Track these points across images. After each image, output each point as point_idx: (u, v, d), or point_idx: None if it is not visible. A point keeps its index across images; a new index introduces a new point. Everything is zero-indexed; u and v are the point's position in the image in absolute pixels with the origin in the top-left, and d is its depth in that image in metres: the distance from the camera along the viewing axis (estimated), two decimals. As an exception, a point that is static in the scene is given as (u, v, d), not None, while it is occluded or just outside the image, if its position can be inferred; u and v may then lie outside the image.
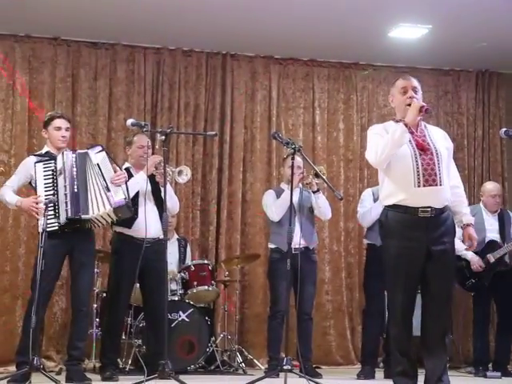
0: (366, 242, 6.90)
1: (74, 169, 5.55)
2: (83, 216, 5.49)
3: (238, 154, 8.18)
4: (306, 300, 6.59)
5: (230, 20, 7.33)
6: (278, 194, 6.73)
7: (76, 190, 5.50)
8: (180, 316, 6.66)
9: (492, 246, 6.98)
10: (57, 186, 5.53)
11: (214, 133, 6.61)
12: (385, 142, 4.47)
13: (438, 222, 4.47)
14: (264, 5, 7.00)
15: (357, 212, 6.88)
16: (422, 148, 4.48)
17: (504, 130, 5.07)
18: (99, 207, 5.52)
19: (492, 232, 7.01)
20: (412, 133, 4.52)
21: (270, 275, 6.78)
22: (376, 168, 4.73)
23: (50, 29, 7.61)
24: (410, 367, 4.49)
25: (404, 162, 4.46)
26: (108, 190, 5.53)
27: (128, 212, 5.65)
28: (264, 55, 8.35)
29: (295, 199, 6.41)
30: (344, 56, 8.44)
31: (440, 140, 4.62)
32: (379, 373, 6.69)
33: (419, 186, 4.43)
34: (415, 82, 4.65)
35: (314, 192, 6.61)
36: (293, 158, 5.69)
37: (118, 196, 5.55)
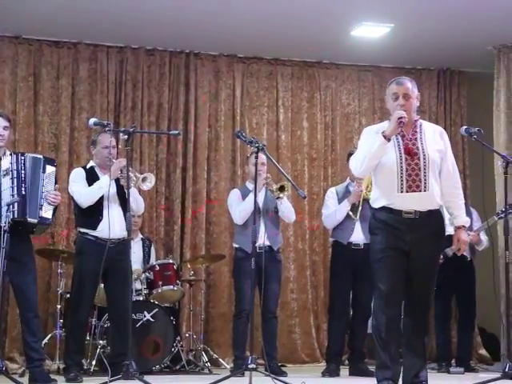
0: (331, 239, 6.93)
1: (23, 171, 5.37)
2: (29, 219, 5.35)
3: (202, 153, 8.17)
4: (271, 299, 6.61)
5: (193, 19, 7.31)
6: (243, 192, 6.73)
7: (24, 193, 5.34)
8: (145, 316, 6.64)
9: (449, 240, 7.01)
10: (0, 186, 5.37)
11: (177, 132, 6.58)
12: (364, 155, 4.54)
13: (423, 223, 4.54)
14: (227, 4, 6.99)
15: (321, 214, 6.91)
16: (409, 153, 4.53)
17: (465, 127, 5.15)
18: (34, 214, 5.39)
19: (450, 226, 7.04)
20: (403, 136, 4.57)
21: (235, 274, 6.79)
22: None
23: (11, 27, 7.52)
24: (389, 360, 4.50)
25: (389, 168, 4.53)
26: (41, 201, 5.42)
27: (39, 232, 5.61)
28: (227, 54, 8.34)
29: (260, 200, 6.45)
30: (307, 55, 8.46)
31: (432, 143, 4.61)
32: (344, 370, 6.73)
33: (402, 192, 4.51)
34: (408, 88, 4.63)
35: (276, 198, 6.60)
36: (256, 157, 5.70)
37: (48, 214, 5.44)
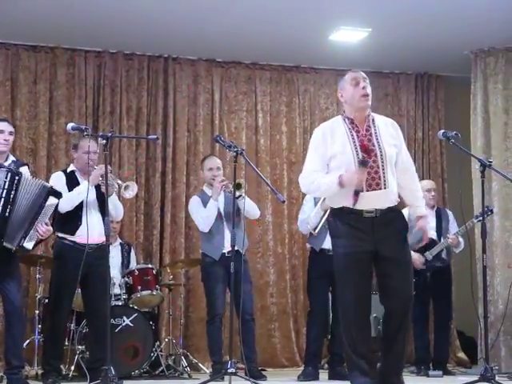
0: (308, 245, 6.94)
1: (13, 192, 5.22)
2: (5, 243, 5.23)
3: (181, 158, 8.16)
4: (246, 300, 6.53)
5: (171, 23, 7.31)
6: (203, 199, 6.64)
7: (7, 215, 5.21)
8: (124, 321, 6.61)
9: (429, 243, 7.07)
10: None
11: (155, 136, 6.56)
12: (317, 186, 4.48)
13: (384, 221, 4.43)
14: (205, 8, 7.00)
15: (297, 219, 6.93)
16: (366, 150, 4.40)
17: (442, 131, 5.18)
18: (15, 240, 5.27)
19: (429, 229, 7.08)
20: (357, 131, 4.45)
21: (205, 280, 6.69)
22: None
23: (-13, 32, 7.50)
24: (367, 366, 4.41)
25: (347, 167, 4.40)
26: (29, 230, 5.31)
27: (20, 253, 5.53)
28: (206, 58, 8.34)
29: (221, 204, 6.44)
30: (286, 59, 8.48)
31: (387, 137, 4.51)
32: (324, 374, 6.74)
33: (362, 191, 4.38)
34: (364, 74, 4.56)
35: (237, 197, 6.56)
36: (235, 161, 5.70)
37: (29, 244, 5.34)
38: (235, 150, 5.68)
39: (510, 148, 7.74)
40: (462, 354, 8.29)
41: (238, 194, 6.35)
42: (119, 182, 6.01)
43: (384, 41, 7.72)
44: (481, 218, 6.64)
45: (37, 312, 6.60)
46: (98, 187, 5.90)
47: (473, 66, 8.05)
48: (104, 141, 5.28)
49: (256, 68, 8.54)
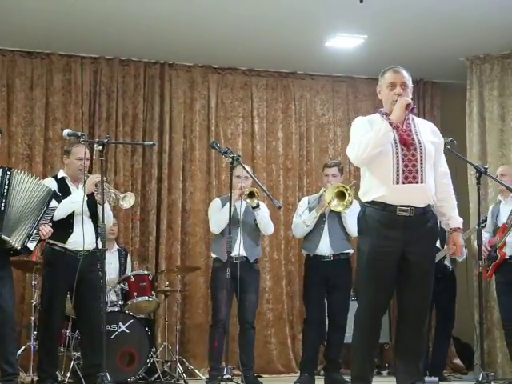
0: (303, 251, 6.93)
1: (6, 187, 5.21)
2: (3, 236, 5.23)
3: (177, 164, 8.16)
4: (248, 309, 6.58)
5: (167, 29, 7.31)
6: (224, 203, 6.67)
7: (2, 209, 5.21)
8: (120, 327, 6.59)
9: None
10: None
11: (151, 142, 6.56)
12: (367, 141, 4.29)
13: (418, 222, 4.31)
14: (202, 14, 7.00)
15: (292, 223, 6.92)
16: (405, 143, 4.32)
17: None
18: (17, 238, 5.31)
19: None
20: (397, 127, 4.35)
21: (212, 284, 6.76)
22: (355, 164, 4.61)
23: (-17, 38, 7.50)
24: (367, 373, 4.39)
25: (384, 158, 4.30)
26: (33, 231, 5.30)
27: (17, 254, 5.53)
28: (202, 64, 8.35)
29: (240, 211, 6.44)
30: (282, 65, 8.49)
31: (427, 134, 4.44)
32: (320, 380, 6.73)
33: (398, 183, 4.28)
34: (405, 77, 4.48)
35: (253, 208, 6.58)
36: (231, 168, 5.71)
37: (32, 245, 5.35)
38: (231, 156, 5.68)
39: (506, 155, 7.75)
40: (457, 361, 8.29)
41: (254, 203, 6.44)
42: (117, 192, 6.00)
43: (380, 47, 7.73)
44: (483, 225, 6.72)
45: (32, 318, 6.56)
46: (90, 194, 5.89)
47: (468, 73, 8.07)
48: (100, 147, 5.27)
49: (252, 74, 8.55)
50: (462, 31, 7.36)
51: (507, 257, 6.76)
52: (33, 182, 5.37)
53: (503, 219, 6.89)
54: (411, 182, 4.28)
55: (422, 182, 4.30)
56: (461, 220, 4.55)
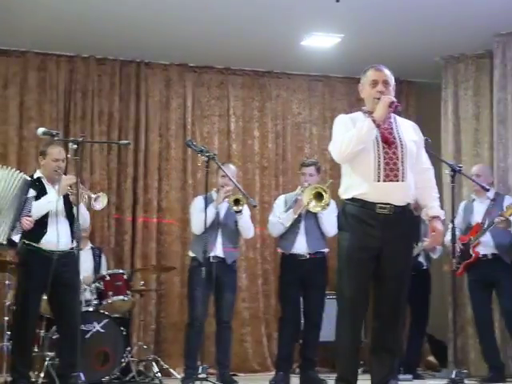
0: (279, 250, 6.95)
1: None
2: None
3: (153, 163, 8.14)
4: (225, 308, 6.59)
5: (143, 28, 7.29)
6: (208, 201, 6.63)
7: None
8: (94, 327, 6.57)
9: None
10: None
11: (127, 141, 6.55)
12: (349, 138, 4.30)
13: (397, 221, 4.32)
14: (178, 13, 6.99)
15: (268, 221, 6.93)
16: (387, 141, 4.33)
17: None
18: (1, 232, 5.30)
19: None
20: (378, 125, 4.35)
21: (189, 283, 6.75)
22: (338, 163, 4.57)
23: (-43, 35, 7.44)
24: (352, 372, 4.38)
25: (366, 156, 4.31)
26: (15, 223, 5.34)
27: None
28: (178, 63, 8.33)
29: (221, 212, 6.45)
30: (258, 64, 8.50)
31: (408, 133, 4.45)
32: (295, 379, 6.75)
33: (379, 181, 4.29)
34: (387, 75, 4.48)
35: (236, 212, 6.58)
36: (207, 167, 5.71)
37: (17, 238, 5.37)
38: (207, 154, 5.69)
39: (481, 154, 7.79)
40: (431, 358, 8.34)
41: (238, 209, 6.44)
42: (90, 193, 5.97)
43: (356, 47, 7.75)
44: (454, 227, 6.77)
45: (6, 319, 6.53)
46: (65, 195, 5.86)
47: (443, 73, 8.11)
48: (75, 146, 5.26)
49: (228, 73, 8.55)
50: (437, 31, 7.39)
51: (481, 255, 6.82)
52: (6, 172, 5.35)
53: (477, 218, 6.94)
54: (392, 180, 4.29)
55: (402, 181, 4.31)
56: (442, 211, 4.56)
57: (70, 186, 5.75)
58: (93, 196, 5.91)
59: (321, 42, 7.76)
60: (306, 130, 8.74)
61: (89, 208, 6.03)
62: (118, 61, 8.15)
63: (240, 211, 6.51)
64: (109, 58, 8.11)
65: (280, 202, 6.86)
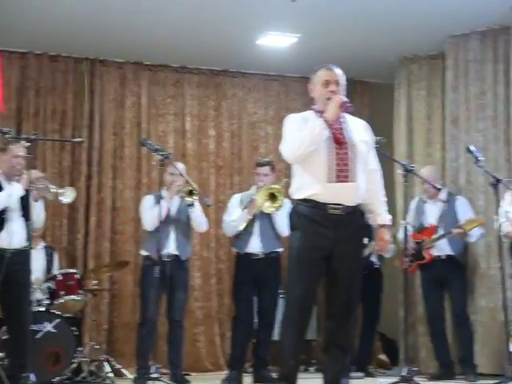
0: (233, 249, 6.94)
1: None
2: None
3: (107, 161, 8.09)
4: (177, 307, 6.58)
5: (98, 25, 7.24)
6: (157, 199, 6.63)
7: None
8: (45, 327, 6.49)
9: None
10: None
11: (80, 139, 6.52)
12: (302, 139, 4.29)
13: (348, 221, 4.34)
14: (133, 11, 6.95)
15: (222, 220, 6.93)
16: (338, 142, 4.33)
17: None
18: None
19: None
20: (330, 125, 4.35)
21: (141, 283, 6.73)
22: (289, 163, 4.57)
23: None
24: (293, 371, 4.39)
25: (317, 156, 4.30)
26: None
27: None
28: (134, 61, 8.29)
29: (173, 209, 6.42)
30: (214, 63, 8.48)
31: (359, 133, 4.46)
32: (248, 378, 6.75)
33: (330, 182, 4.29)
34: (338, 74, 4.49)
35: (188, 205, 6.57)
36: (162, 165, 5.69)
37: None
38: (162, 153, 5.66)
39: (433, 154, 7.88)
40: (383, 356, 8.42)
41: (190, 201, 6.40)
42: (56, 188, 5.91)
43: (312, 47, 7.77)
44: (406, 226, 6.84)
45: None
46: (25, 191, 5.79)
47: (397, 73, 8.19)
48: (28, 144, 5.20)
49: (184, 71, 8.52)
50: (391, 32, 7.46)
51: (435, 256, 6.89)
52: None
53: (430, 220, 7.01)
54: (343, 181, 4.30)
55: (353, 181, 4.33)
56: (389, 217, 4.59)
57: (32, 182, 5.69)
58: (60, 191, 5.85)
59: (277, 41, 7.78)
60: (261, 130, 8.75)
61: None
62: (72, 58, 8.08)
63: (193, 204, 6.50)
64: (62, 55, 8.03)
65: (235, 201, 6.86)
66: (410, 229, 7.02)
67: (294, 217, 4.44)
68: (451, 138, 7.58)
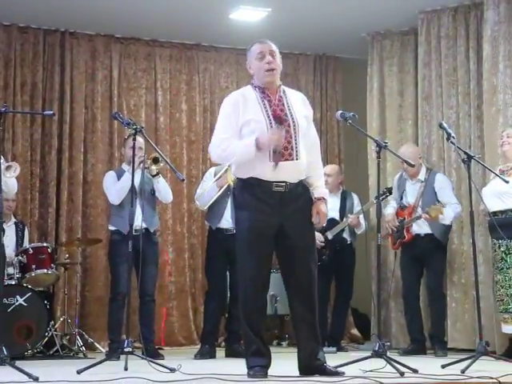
0: (206, 223, 6.94)
1: None
2: None
3: (78, 135, 8.01)
4: (148, 281, 6.57)
5: (68, -4, 7.14)
6: (119, 175, 6.66)
7: None
8: (17, 300, 6.47)
9: (331, 224, 7.19)
10: None
11: (51, 112, 6.39)
12: (230, 153, 4.33)
13: (292, 196, 4.34)
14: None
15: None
16: (279, 119, 4.33)
17: (340, 112, 5.14)
18: None
19: (332, 210, 7.16)
20: (270, 102, 4.37)
21: (110, 257, 6.72)
22: None
23: None
24: (263, 346, 4.38)
25: (260, 135, 4.29)
26: None
27: None
28: (104, 34, 8.19)
29: (136, 181, 6.38)
30: (186, 37, 8.42)
31: (299, 108, 4.45)
32: (221, 352, 6.79)
33: (281, 152, 4.29)
34: (272, 46, 4.48)
35: (153, 176, 6.55)
36: (134, 139, 5.64)
37: None
38: (134, 127, 5.61)
39: (404, 129, 7.91)
40: (355, 331, 8.50)
41: (155, 171, 6.40)
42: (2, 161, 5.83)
43: (283, 21, 7.75)
44: (383, 197, 6.89)
45: None
46: None
47: (369, 49, 8.18)
48: (-3, 116, 5.12)
49: (156, 45, 8.45)
50: (363, 7, 7.45)
51: (414, 234, 6.94)
52: None
53: (410, 200, 7.02)
54: (287, 160, 4.31)
55: (297, 159, 4.34)
56: (326, 191, 4.57)
57: None
58: (4, 163, 5.76)
59: (248, 15, 7.74)
60: (233, 104, 8.70)
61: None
62: (42, 30, 7.96)
63: (158, 174, 6.49)
64: (32, 27, 7.91)
65: (209, 175, 6.85)
66: (394, 204, 7.09)
67: (239, 196, 4.44)
68: (423, 115, 7.62)
